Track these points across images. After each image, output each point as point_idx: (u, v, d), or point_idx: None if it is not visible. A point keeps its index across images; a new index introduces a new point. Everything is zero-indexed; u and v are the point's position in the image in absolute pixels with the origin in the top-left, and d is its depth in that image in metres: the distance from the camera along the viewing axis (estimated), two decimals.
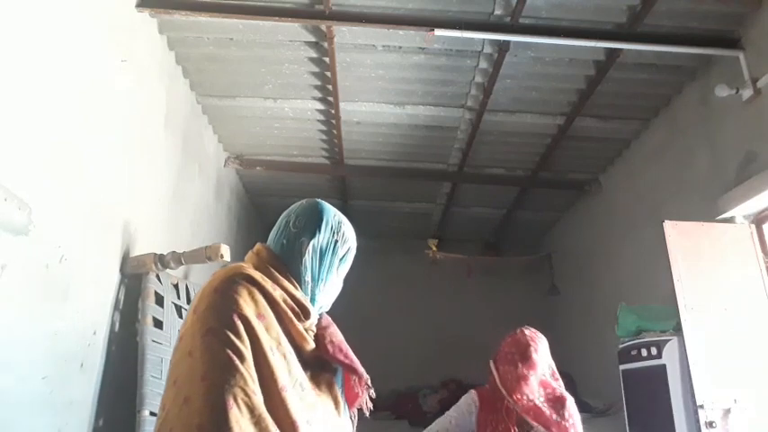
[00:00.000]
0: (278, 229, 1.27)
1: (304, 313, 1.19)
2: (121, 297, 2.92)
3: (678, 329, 2.98)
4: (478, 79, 3.86)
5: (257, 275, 1.15)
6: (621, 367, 3.41)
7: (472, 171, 5.16)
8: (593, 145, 4.67)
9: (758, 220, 3.28)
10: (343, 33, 3.38)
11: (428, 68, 3.77)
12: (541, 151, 4.75)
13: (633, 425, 3.28)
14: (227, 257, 3.06)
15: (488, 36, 3.33)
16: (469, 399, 2.23)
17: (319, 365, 1.20)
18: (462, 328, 6.37)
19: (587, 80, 3.83)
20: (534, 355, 2.11)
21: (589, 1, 3.16)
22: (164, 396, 1.03)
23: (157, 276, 3.02)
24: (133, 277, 2.97)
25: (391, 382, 6.02)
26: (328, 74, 3.74)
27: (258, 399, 1.00)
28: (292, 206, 1.31)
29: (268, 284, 1.15)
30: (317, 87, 3.99)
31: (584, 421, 2.11)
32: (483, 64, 3.69)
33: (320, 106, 4.22)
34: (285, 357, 1.09)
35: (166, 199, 3.58)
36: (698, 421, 2.77)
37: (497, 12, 3.23)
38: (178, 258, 3.03)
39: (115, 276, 2.87)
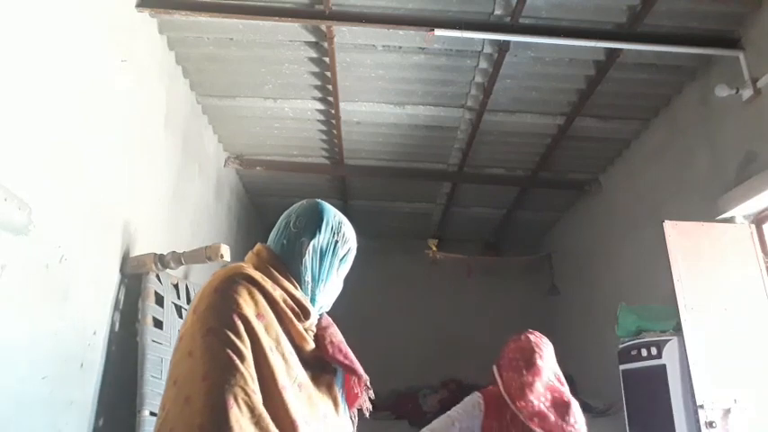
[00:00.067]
0: (278, 230, 1.27)
1: (304, 313, 1.19)
2: (121, 297, 2.92)
3: (678, 329, 2.99)
4: (478, 79, 3.86)
5: (257, 275, 1.15)
6: (621, 367, 3.41)
7: (472, 171, 5.16)
8: (593, 145, 4.67)
9: (758, 220, 3.28)
10: (343, 33, 3.38)
11: (428, 68, 3.77)
12: (541, 151, 4.75)
13: (633, 425, 3.28)
14: (227, 257, 3.06)
15: (488, 36, 3.33)
16: (475, 401, 2.16)
17: (319, 366, 1.20)
18: (462, 328, 6.37)
19: (587, 80, 3.83)
20: (539, 362, 2.06)
21: (589, 1, 3.16)
22: (164, 396, 1.03)
23: (157, 276, 3.02)
24: (133, 277, 2.97)
25: (391, 382, 6.02)
26: (328, 74, 3.74)
27: (258, 398, 1.00)
28: (293, 206, 1.31)
29: (268, 284, 1.15)
30: (317, 87, 3.99)
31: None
32: (483, 64, 3.69)
33: (320, 106, 4.22)
34: (284, 357, 1.10)
35: (166, 199, 3.58)
36: (698, 421, 2.77)
37: (497, 12, 3.23)
38: (178, 258, 3.03)
39: (115, 276, 2.87)
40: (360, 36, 3.45)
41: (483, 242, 6.85)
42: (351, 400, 1.27)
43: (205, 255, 3.06)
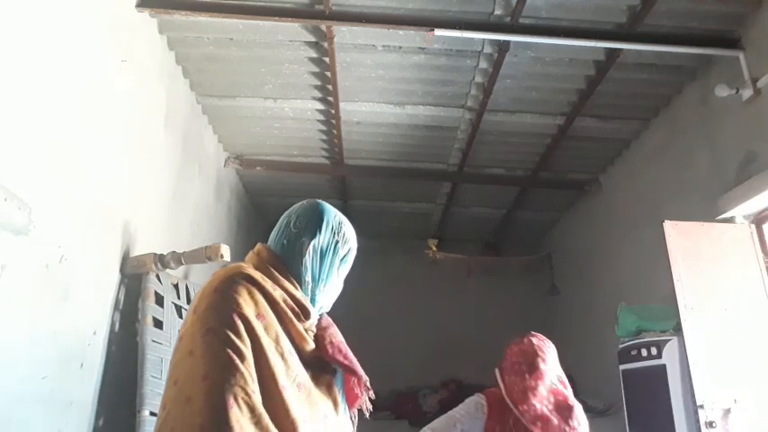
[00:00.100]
0: (278, 230, 1.28)
1: (304, 313, 1.19)
2: (121, 297, 2.92)
3: (678, 329, 2.99)
4: (478, 79, 3.86)
5: (257, 275, 1.15)
6: (621, 367, 3.41)
7: (472, 171, 5.16)
8: (593, 145, 4.67)
9: (758, 220, 3.28)
10: (343, 33, 3.38)
11: (428, 68, 3.77)
12: (541, 151, 4.75)
13: (633, 425, 3.28)
14: (227, 257, 3.06)
15: (488, 36, 3.33)
16: (478, 403, 2.13)
17: (319, 366, 1.20)
18: (462, 328, 6.37)
19: (587, 80, 3.83)
20: (542, 366, 2.03)
21: (589, 1, 3.16)
22: (164, 396, 1.03)
23: (157, 276, 3.02)
24: (133, 277, 2.97)
25: (391, 382, 6.03)
26: (328, 74, 3.74)
27: (258, 398, 1.00)
28: (293, 207, 1.31)
29: (268, 284, 1.15)
30: (317, 87, 3.99)
31: None
32: (483, 64, 3.69)
33: (320, 106, 4.22)
34: (284, 357, 1.10)
35: (166, 199, 3.58)
36: (698, 421, 2.77)
37: (497, 12, 3.23)
38: (178, 258, 3.03)
39: (115, 276, 2.87)
40: (360, 36, 3.45)
41: (483, 242, 6.85)
42: (351, 400, 1.27)
43: (205, 255, 3.06)
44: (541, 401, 1.99)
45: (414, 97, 4.10)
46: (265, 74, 3.83)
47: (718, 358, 2.86)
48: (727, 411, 2.77)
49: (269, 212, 6.12)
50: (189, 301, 3.29)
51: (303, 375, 1.13)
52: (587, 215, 5.60)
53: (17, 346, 2.05)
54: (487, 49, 3.54)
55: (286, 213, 1.30)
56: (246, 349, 1.03)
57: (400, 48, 3.58)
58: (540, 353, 2.07)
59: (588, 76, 3.79)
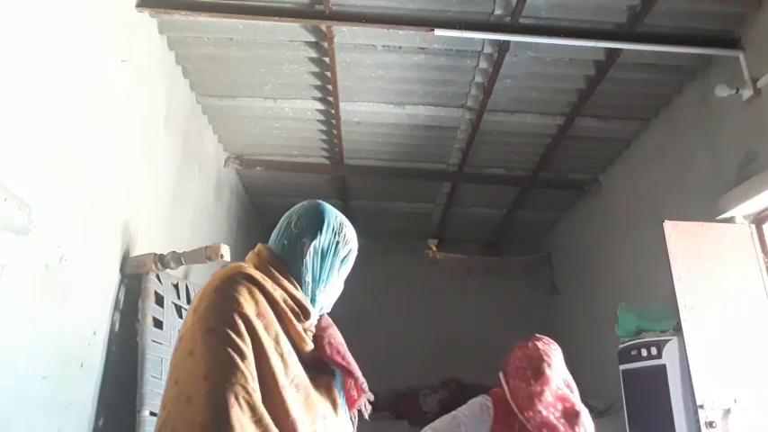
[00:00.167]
0: (279, 230, 1.28)
1: (304, 314, 1.19)
2: (121, 297, 2.92)
3: (678, 329, 2.99)
4: (478, 79, 3.86)
5: (257, 275, 1.15)
6: (621, 367, 3.41)
7: (472, 171, 5.16)
8: (593, 145, 4.67)
9: (758, 220, 3.28)
10: (343, 33, 3.38)
11: (428, 68, 3.77)
12: (541, 151, 4.75)
13: (633, 425, 3.28)
14: (227, 257, 3.06)
15: (488, 36, 3.33)
16: (484, 405, 2.08)
17: (318, 366, 1.20)
18: (462, 328, 6.37)
19: (587, 80, 3.83)
20: (548, 371, 1.99)
21: (589, 1, 3.16)
22: (164, 395, 1.03)
23: (157, 276, 3.02)
24: (133, 277, 2.97)
25: (391, 382, 6.03)
26: (328, 74, 3.74)
27: (259, 397, 1.01)
28: (294, 207, 1.31)
29: (268, 284, 1.15)
30: (317, 87, 3.99)
31: None
32: (483, 64, 3.69)
33: (320, 106, 4.22)
34: (283, 357, 1.10)
35: (166, 199, 3.58)
36: (698, 421, 2.77)
37: (497, 12, 3.23)
38: (178, 258, 3.03)
39: (115, 276, 2.87)
40: (360, 36, 3.45)
41: (483, 242, 6.85)
42: (350, 401, 1.27)
43: (205, 255, 3.06)
44: (547, 408, 1.95)
45: (414, 97, 4.10)
46: (265, 74, 3.83)
47: (718, 358, 2.86)
48: (727, 411, 2.77)
49: (269, 212, 6.12)
50: (189, 301, 3.29)
51: (301, 376, 1.13)
52: (587, 215, 5.60)
53: (17, 346, 2.05)
54: (487, 49, 3.54)
55: (287, 214, 1.30)
56: (247, 348, 1.03)
57: (400, 48, 3.58)
58: (545, 357, 2.02)
59: (588, 76, 3.79)
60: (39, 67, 2.15)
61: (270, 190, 5.68)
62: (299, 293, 1.20)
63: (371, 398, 1.28)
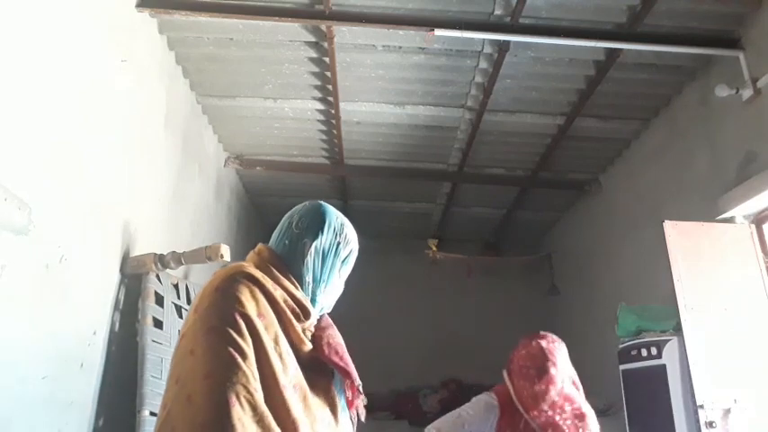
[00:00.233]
0: (280, 230, 1.28)
1: (304, 313, 1.19)
2: (121, 297, 2.92)
3: (678, 329, 2.99)
4: (478, 79, 3.86)
5: (258, 274, 1.15)
6: (621, 367, 3.41)
7: (472, 171, 5.16)
8: (593, 145, 4.67)
9: (758, 220, 3.28)
10: (343, 33, 3.38)
11: (428, 68, 3.76)
12: (541, 151, 4.75)
13: (633, 425, 3.28)
14: (227, 257, 3.06)
15: (488, 36, 3.33)
16: (490, 404, 2.06)
17: (316, 367, 1.20)
18: (462, 328, 6.37)
19: (587, 80, 3.83)
20: (552, 370, 1.96)
21: (589, 1, 3.16)
22: (165, 395, 1.02)
23: (157, 276, 3.02)
24: (133, 277, 2.97)
25: (391, 382, 6.03)
26: (328, 74, 3.74)
27: (260, 397, 1.00)
28: (295, 207, 1.31)
29: (269, 284, 1.15)
30: (317, 87, 3.99)
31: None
32: (483, 64, 3.69)
33: (320, 106, 4.22)
34: (282, 357, 1.10)
35: (166, 199, 3.58)
36: (698, 421, 2.77)
37: (497, 12, 3.23)
38: (178, 258, 3.03)
39: (115, 276, 2.87)
40: (360, 36, 3.45)
41: (483, 242, 6.85)
42: (349, 402, 1.27)
43: (205, 255, 3.06)
44: (554, 408, 1.93)
45: (414, 97, 4.10)
46: (265, 74, 3.83)
47: (718, 358, 2.86)
48: (727, 411, 2.77)
49: (269, 212, 6.12)
50: (189, 301, 3.29)
51: (299, 376, 1.13)
52: (587, 215, 5.60)
53: (17, 346, 2.05)
54: (487, 49, 3.54)
55: (288, 214, 1.30)
56: (248, 348, 1.03)
57: (400, 48, 3.58)
58: (550, 356, 1.99)
59: (588, 76, 3.79)
60: (39, 67, 2.15)
61: (270, 190, 5.68)
62: (299, 293, 1.20)
63: (365, 402, 1.28)
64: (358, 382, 1.26)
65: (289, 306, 1.16)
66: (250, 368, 1.01)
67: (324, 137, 4.68)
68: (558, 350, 2.04)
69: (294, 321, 1.17)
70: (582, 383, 2.11)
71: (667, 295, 3.07)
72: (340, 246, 1.28)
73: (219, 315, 1.04)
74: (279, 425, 1.01)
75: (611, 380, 3.52)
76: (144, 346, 2.75)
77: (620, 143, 4.65)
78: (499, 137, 4.56)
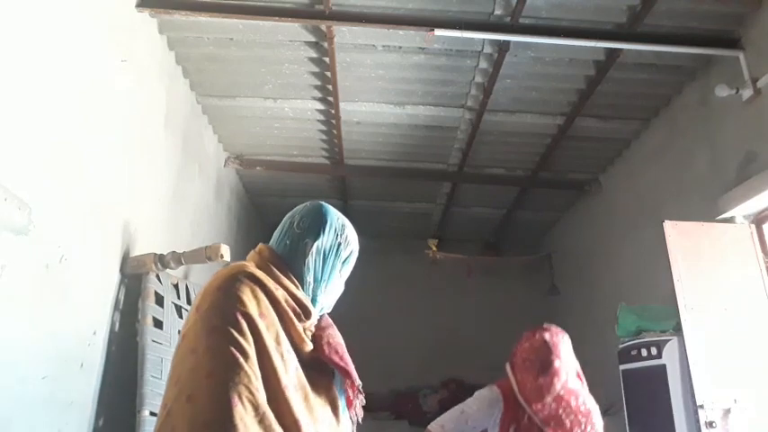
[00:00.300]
0: (281, 230, 1.28)
1: (305, 313, 1.19)
2: (121, 297, 2.92)
3: (678, 329, 2.99)
4: (478, 79, 3.86)
5: (260, 274, 1.15)
6: (621, 367, 3.41)
7: (472, 171, 5.16)
8: (593, 145, 4.67)
9: (758, 220, 3.28)
10: (343, 33, 3.38)
11: (428, 68, 3.76)
12: (541, 151, 4.75)
13: (633, 425, 3.28)
14: (227, 257, 3.06)
15: (488, 36, 3.33)
16: (493, 398, 2.05)
17: (317, 367, 1.20)
18: (462, 328, 6.38)
19: (587, 80, 3.83)
20: (557, 363, 1.95)
21: (589, 1, 3.16)
22: (165, 394, 1.02)
23: (157, 276, 3.02)
24: (133, 277, 2.97)
25: (391, 382, 6.04)
26: (328, 74, 3.74)
27: (262, 396, 1.00)
28: (296, 208, 1.31)
29: (270, 283, 1.15)
30: (317, 87, 3.99)
31: None
32: (483, 64, 3.69)
33: (320, 106, 4.22)
34: (283, 357, 1.10)
35: (166, 199, 3.58)
36: (698, 421, 2.77)
37: (497, 12, 3.23)
38: (178, 258, 3.03)
39: (115, 276, 2.87)
40: (360, 36, 3.45)
41: (483, 242, 6.85)
42: (349, 401, 1.27)
43: (205, 255, 3.06)
44: (558, 402, 1.92)
45: (414, 97, 4.10)
46: (265, 74, 3.83)
47: (718, 358, 2.86)
48: (727, 411, 2.77)
49: (269, 212, 6.12)
50: (189, 301, 3.29)
51: (301, 376, 1.13)
52: (587, 215, 5.60)
53: (17, 346, 2.05)
54: (487, 49, 3.54)
55: (289, 214, 1.31)
56: (250, 348, 1.02)
57: (400, 48, 3.58)
58: (553, 349, 1.97)
59: (588, 76, 3.79)
60: (39, 67, 2.15)
61: (270, 190, 5.68)
62: (300, 293, 1.20)
63: (363, 402, 1.28)
64: (358, 381, 1.26)
65: (290, 306, 1.16)
66: (252, 368, 1.01)
67: (324, 137, 4.68)
68: (561, 343, 2.02)
69: (295, 321, 1.17)
70: None
71: (667, 295, 3.07)
72: (341, 246, 1.28)
73: (221, 315, 1.04)
74: (280, 425, 1.01)
75: (611, 380, 3.52)
76: (144, 346, 2.75)
77: (620, 143, 4.65)
78: (499, 137, 4.56)
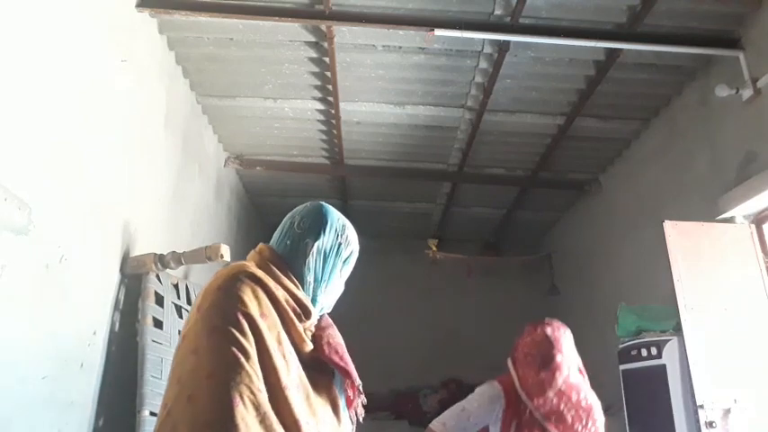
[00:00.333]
0: (282, 230, 1.28)
1: (305, 313, 1.19)
2: (121, 297, 2.92)
3: (678, 329, 2.99)
4: (478, 79, 3.86)
5: (260, 274, 1.15)
6: (621, 367, 3.41)
7: (472, 171, 5.16)
8: (593, 145, 4.67)
9: (758, 220, 3.28)
10: (343, 33, 3.38)
11: (428, 68, 3.76)
12: (541, 151, 4.75)
13: (633, 425, 3.28)
14: (227, 257, 3.06)
15: (488, 36, 3.33)
16: (494, 394, 2.03)
17: (317, 367, 1.20)
18: (462, 328, 6.37)
19: (587, 80, 3.83)
20: (558, 357, 1.94)
21: (589, 1, 3.16)
22: (165, 394, 1.02)
23: (157, 276, 3.02)
24: (133, 277, 2.97)
25: (391, 382, 6.03)
26: (328, 74, 3.74)
27: (263, 396, 1.00)
28: (297, 208, 1.31)
29: (271, 283, 1.15)
30: (317, 87, 3.99)
31: None
32: (483, 64, 3.69)
33: (320, 106, 4.22)
34: (285, 357, 1.10)
35: (166, 199, 3.58)
36: (698, 421, 2.77)
37: (497, 12, 3.23)
38: (178, 258, 3.03)
39: (115, 276, 2.87)
40: (360, 36, 3.45)
41: (483, 242, 6.85)
42: (348, 401, 1.28)
43: (205, 255, 3.06)
44: (560, 396, 1.91)
45: (414, 97, 4.10)
46: (265, 74, 3.83)
47: (718, 358, 2.86)
48: (727, 411, 2.77)
49: (269, 212, 6.12)
50: (189, 301, 3.29)
51: (302, 376, 1.13)
52: (587, 215, 5.60)
53: (17, 346, 2.05)
54: (487, 49, 3.54)
55: (290, 214, 1.31)
56: (251, 348, 1.02)
57: (400, 48, 3.58)
58: (555, 344, 1.96)
59: (588, 76, 3.79)
60: (39, 67, 2.15)
61: (270, 190, 5.68)
62: (300, 293, 1.20)
63: (365, 401, 1.28)
64: (358, 381, 1.26)
65: (290, 306, 1.16)
66: (253, 368, 1.01)
67: (324, 137, 4.68)
68: (563, 337, 2.02)
69: (296, 321, 1.17)
70: None
71: (667, 295, 3.07)
72: (341, 246, 1.28)
73: (222, 315, 1.04)
74: (282, 425, 1.01)
75: (611, 380, 3.52)
76: (144, 346, 2.75)
77: (620, 143, 4.65)
78: (499, 137, 4.56)
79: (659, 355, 3.09)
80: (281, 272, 1.19)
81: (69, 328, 2.41)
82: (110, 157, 2.75)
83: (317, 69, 3.77)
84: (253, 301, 1.08)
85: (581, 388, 2.00)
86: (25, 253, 2.07)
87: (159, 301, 2.97)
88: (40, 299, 2.19)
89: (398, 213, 6.28)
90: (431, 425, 2.01)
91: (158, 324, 2.90)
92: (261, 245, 1.27)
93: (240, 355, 1.00)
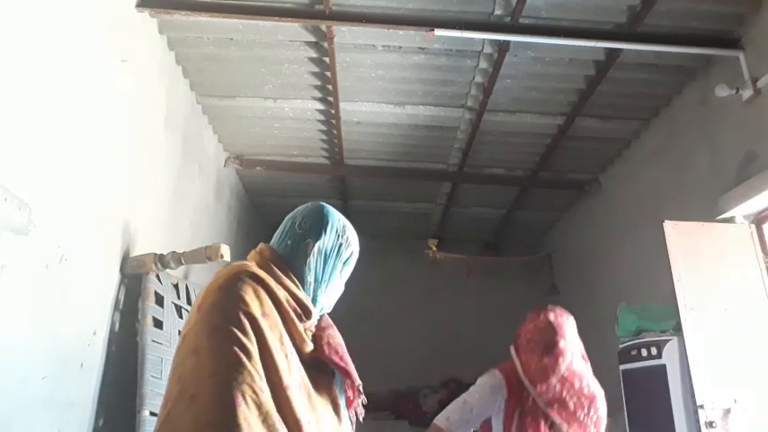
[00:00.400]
0: (283, 230, 1.28)
1: (306, 313, 1.19)
2: (121, 297, 2.92)
3: (678, 329, 2.99)
4: (478, 79, 3.86)
5: (262, 274, 1.15)
6: (621, 367, 3.41)
7: (472, 171, 5.16)
8: (593, 145, 4.67)
9: (758, 220, 3.28)
10: (343, 33, 3.38)
11: (428, 68, 3.76)
12: (541, 151, 4.75)
13: (633, 425, 3.28)
14: (227, 257, 3.06)
15: (488, 36, 3.33)
16: (496, 381, 2.01)
17: (317, 367, 1.20)
18: (462, 328, 6.37)
19: (587, 80, 3.83)
20: (561, 343, 1.93)
21: (589, 1, 3.16)
22: (166, 394, 1.02)
23: (157, 276, 3.02)
24: (133, 277, 2.97)
25: (391, 382, 6.03)
26: (328, 74, 3.74)
27: (265, 396, 1.00)
28: (297, 208, 1.31)
29: (272, 283, 1.15)
30: (317, 87, 3.99)
31: None
32: (483, 64, 3.69)
33: (320, 106, 4.22)
34: (287, 357, 1.10)
35: (166, 199, 3.58)
36: (698, 421, 2.77)
37: (497, 12, 3.23)
38: (178, 258, 3.03)
39: (115, 276, 2.87)
40: (360, 36, 3.45)
41: (483, 242, 6.85)
42: (348, 401, 1.28)
43: (205, 255, 3.06)
44: (562, 383, 1.89)
45: (414, 97, 4.10)
46: (265, 74, 3.83)
47: (718, 358, 2.86)
48: (727, 411, 2.77)
49: (269, 212, 6.12)
50: (189, 301, 3.29)
51: (304, 376, 1.13)
52: (587, 215, 5.60)
53: (17, 346, 2.05)
54: (487, 49, 3.54)
55: (291, 215, 1.31)
56: (253, 347, 1.02)
57: (400, 48, 3.58)
58: (558, 330, 1.96)
59: (588, 76, 3.79)
60: (39, 67, 2.15)
61: (270, 190, 5.68)
62: (301, 293, 1.20)
63: (365, 401, 1.28)
64: (358, 381, 1.26)
65: (291, 306, 1.16)
66: (255, 367, 1.01)
67: (324, 137, 4.68)
68: (566, 323, 2.02)
69: (296, 321, 1.17)
70: None
71: (667, 295, 3.07)
72: (342, 247, 1.28)
73: (223, 314, 1.04)
74: (284, 424, 1.01)
75: (611, 380, 3.51)
76: (144, 346, 2.75)
77: (620, 143, 4.65)
78: (499, 137, 4.56)
79: (659, 355, 3.09)
80: (281, 272, 1.19)
81: (69, 328, 2.41)
82: (110, 157, 2.75)
83: (317, 69, 3.77)
84: (254, 300, 1.08)
85: (584, 375, 1.98)
86: (25, 253, 2.07)
87: (159, 301, 2.97)
88: (40, 299, 2.19)
89: (398, 213, 6.28)
90: (435, 420, 1.99)
91: (158, 324, 2.90)
92: (261, 245, 1.27)
93: (242, 355, 1.00)
